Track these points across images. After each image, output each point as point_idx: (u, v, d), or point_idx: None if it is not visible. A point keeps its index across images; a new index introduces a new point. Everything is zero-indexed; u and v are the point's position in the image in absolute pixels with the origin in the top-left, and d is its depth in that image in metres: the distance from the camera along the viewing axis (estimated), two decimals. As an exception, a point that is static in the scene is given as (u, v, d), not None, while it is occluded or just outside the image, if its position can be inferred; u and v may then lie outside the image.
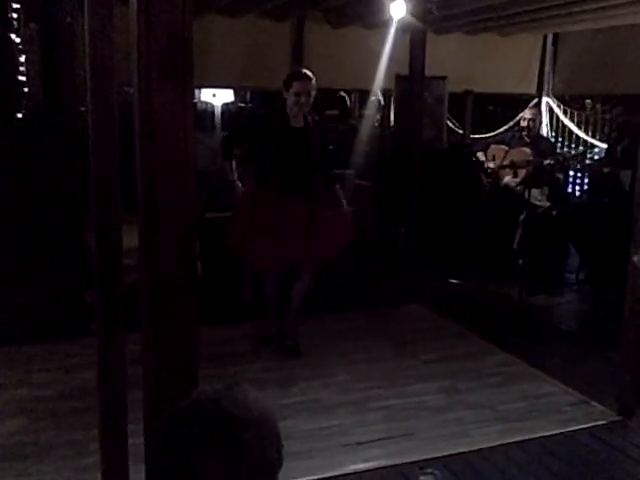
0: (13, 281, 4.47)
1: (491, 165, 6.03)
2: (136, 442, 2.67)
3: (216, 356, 4.28)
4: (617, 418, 3.66)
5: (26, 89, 5.61)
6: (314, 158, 4.32)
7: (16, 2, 5.55)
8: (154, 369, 1.43)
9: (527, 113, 6.17)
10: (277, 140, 4.26)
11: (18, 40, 5.60)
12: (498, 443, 3.40)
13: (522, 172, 5.79)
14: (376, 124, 9.46)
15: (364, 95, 9.36)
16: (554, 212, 5.94)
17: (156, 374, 1.44)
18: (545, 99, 8.53)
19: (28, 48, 5.62)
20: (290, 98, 4.22)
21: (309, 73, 4.25)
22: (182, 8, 1.38)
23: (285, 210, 4.28)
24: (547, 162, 5.65)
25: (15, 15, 5.60)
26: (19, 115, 5.59)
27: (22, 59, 5.58)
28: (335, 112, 12.57)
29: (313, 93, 4.25)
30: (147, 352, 1.48)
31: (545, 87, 8.55)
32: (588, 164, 7.55)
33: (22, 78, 5.59)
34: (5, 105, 5.27)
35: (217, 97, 10.28)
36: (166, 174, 1.38)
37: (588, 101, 8.42)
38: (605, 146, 7.49)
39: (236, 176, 4.49)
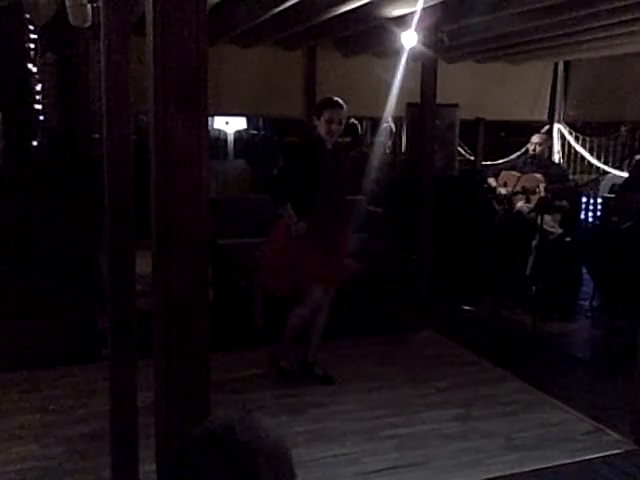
0: (26, 307, 4.49)
1: (503, 191, 6.04)
2: (147, 469, 2.69)
3: (227, 382, 4.27)
4: (632, 447, 3.61)
5: (42, 117, 5.72)
6: (347, 181, 4.52)
7: (33, 32, 5.67)
8: (166, 395, 1.43)
9: (535, 138, 6.18)
10: (321, 167, 4.29)
11: (35, 69, 5.72)
12: (512, 472, 3.35)
13: (534, 198, 5.78)
14: (387, 151, 9.52)
15: (375, 122, 9.42)
16: (567, 238, 5.92)
17: (168, 400, 1.44)
18: (557, 126, 8.55)
19: (44, 77, 5.74)
20: (322, 126, 4.24)
21: (340, 101, 4.28)
22: (196, 39, 1.41)
23: (332, 235, 4.39)
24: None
25: (32, 45, 5.73)
26: (35, 143, 5.69)
27: (38, 88, 5.70)
28: (347, 139, 12.64)
29: (344, 121, 4.31)
30: (159, 378, 1.48)
31: (556, 114, 8.58)
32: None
33: (38, 107, 5.70)
34: (22, 133, 5.37)
35: (230, 124, 10.40)
36: (180, 201, 1.40)
37: (624, 128, 8.43)
38: (618, 172, 7.48)
39: (296, 218, 4.29)
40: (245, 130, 11.47)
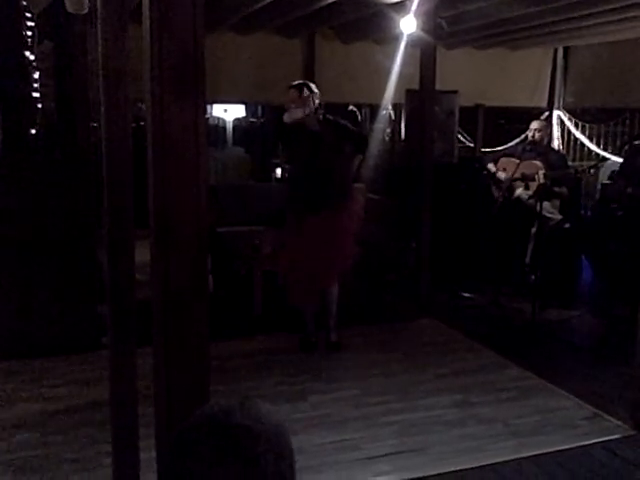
0: (25, 295, 4.50)
1: (502, 175, 6.02)
2: (147, 457, 2.69)
3: (226, 371, 4.28)
4: (631, 432, 3.62)
5: (40, 105, 5.70)
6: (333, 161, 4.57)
7: (30, 20, 5.64)
8: (166, 384, 1.43)
9: (534, 124, 6.16)
10: (297, 148, 4.60)
11: (32, 57, 5.69)
12: (511, 458, 3.36)
13: (534, 185, 5.78)
14: (387, 138, 9.49)
15: (375, 109, 9.39)
16: (566, 225, 5.91)
17: (168, 389, 1.44)
18: (556, 112, 8.53)
19: (42, 65, 5.71)
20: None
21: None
22: (194, 26, 1.40)
23: (314, 220, 4.55)
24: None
25: (30, 33, 5.69)
26: (33, 131, 5.67)
27: (36, 76, 5.67)
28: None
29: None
30: (159, 367, 1.48)
31: (556, 100, 8.56)
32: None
33: (36, 94, 5.68)
34: (20, 122, 5.34)
35: (229, 112, 10.37)
36: (178, 190, 1.39)
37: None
38: (618, 159, 7.46)
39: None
40: (244, 118, 11.44)
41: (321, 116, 4.57)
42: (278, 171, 10.45)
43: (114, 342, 2.49)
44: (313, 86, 4.60)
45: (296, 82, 4.64)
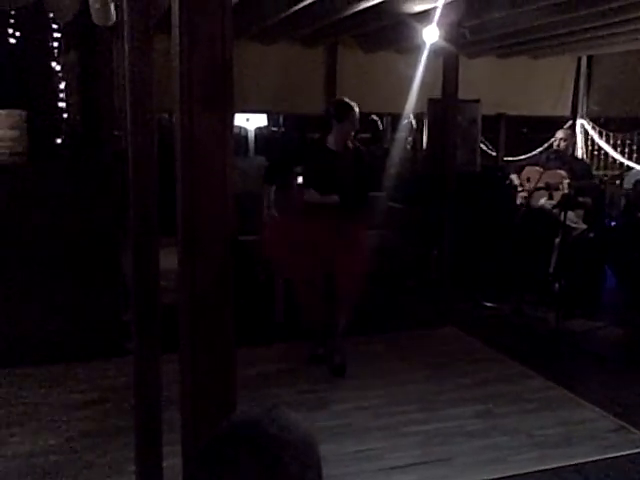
0: (50, 301, 4.55)
1: (526, 187, 5.99)
2: (171, 463, 2.71)
3: (248, 378, 4.29)
4: (658, 445, 3.57)
5: (65, 115, 5.78)
6: (347, 182, 4.43)
7: (57, 31, 5.73)
8: (192, 390, 1.44)
9: (560, 134, 6.14)
10: (319, 165, 4.46)
11: (58, 67, 5.78)
12: (535, 469, 3.33)
13: (558, 194, 5.74)
14: (408, 147, 9.48)
15: (396, 118, 9.40)
16: (590, 235, 5.86)
17: (194, 395, 1.45)
18: (580, 121, 8.47)
19: (68, 75, 5.80)
20: (345, 128, 4.38)
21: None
22: (223, 36, 1.42)
23: (320, 227, 4.42)
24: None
25: (56, 43, 5.78)
26: (58, 140, 5.75)
27: (62, 86, 5.75)
28: (367, 135, 12.59)
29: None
30: (185, 373, 1.49)
31: (579, 109, 8.50)
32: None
33: (62, 104, 5.76)
34: (45, 130, 5.42)
35: (250, 121, 10.42)
36: (206, 198, 1.41)
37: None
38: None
39: (271, 202, 4.57)
40: (266, 127, 11.48)
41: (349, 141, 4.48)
42: (299, 179, 10.44)
43: (139, 348, 2.51)
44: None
45: (346, 99, 4.47)
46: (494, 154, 8.55)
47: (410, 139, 9.55)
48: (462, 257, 5.98)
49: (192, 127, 1.39)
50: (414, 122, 9.24)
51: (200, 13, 1.39)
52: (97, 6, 4.07)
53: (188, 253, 1.44)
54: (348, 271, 4.46)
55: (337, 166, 4.41)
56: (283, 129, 12.13)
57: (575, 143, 8.11)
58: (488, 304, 6.08)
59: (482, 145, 8.28)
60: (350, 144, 4.48)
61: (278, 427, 1.08)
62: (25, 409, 3.90)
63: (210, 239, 1.43)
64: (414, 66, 6.39)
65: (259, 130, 11.26)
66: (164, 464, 2.70)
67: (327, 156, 4.44)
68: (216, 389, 1.47)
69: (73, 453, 3.41)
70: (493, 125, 8.38)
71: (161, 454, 2.64)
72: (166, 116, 7.71)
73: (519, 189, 6.06)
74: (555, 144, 6.09)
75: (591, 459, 3.43)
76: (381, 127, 11.37)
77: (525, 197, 5.95)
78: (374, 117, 10.95)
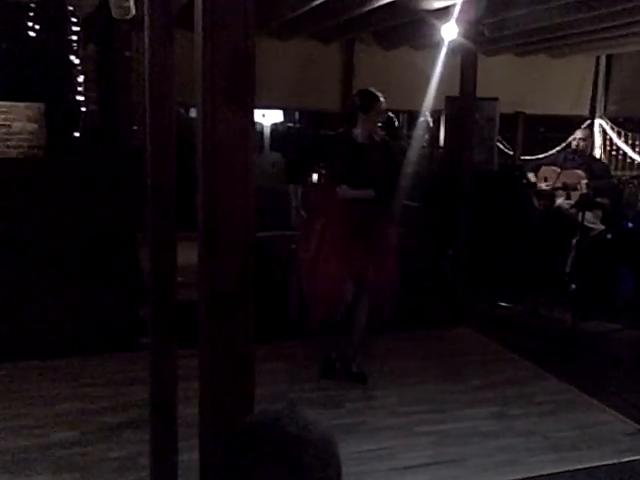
0: (66, 295, 4.57)
1: (543, 186, 5.95)
2: (185, 458, 2.72)
3: (262, 374, 4.25)
4: (675, 449, 3.53)
5: (83, 108, 5.80)
6: (380, 175, 4.26)
7: (76, 24, 5.75)
8: (210, 387, 1.44)
9: (579, 133, 6.09)
10: (348, 159, 4.24)
11: (77, 61, 5.80)
12: (550, 472, 3.31)
13: (575, 194, 5.69)
14: (424, 145, 9.44)
15: (413, 116, 9.36)
16: (608, 236, 5.81)
17: (212, 392, 1.45)
18: (598, 121, 8.40)
19: (86, 69, 5.82)
20: (372, 119, 4.22)
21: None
22: (245, 31, 1.41)
23: (360, 232, 4.20)
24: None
25: (75, 37, 5.81)
26: (76, 134, 5.78)
27: (80, 79, 5.78)
28: (382, 133, 12.46)
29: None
30: (204, 369, 1.49)
31: (598, 109, 8.42)
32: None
33: (80, 98, 5.78)
34: (63, 124, 5.45)
35: (266, 117, 10.43)
36: (227, 194, 1.40)
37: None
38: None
39: (300, 203, 4.37)
40: (281, 123, 11.49)
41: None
42: (315, 176, 10.44)
43: (155, 343, 2.52)
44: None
45: (372, 89, 4.29)
46: (511, 153, 8.49)
47: (426, 137, 9.50)
48: (478, 257, 5.94)
49: (214, 122, 1.38)
50: (430, 120, 9.19)
51: (223, 7, 1.38)
52: (116, 0, 4.07)
53: (209, 250, 1.43)
54: (384, 274, 4.25)
55: (367, 159, 4.22)
56: (299, 125, 12.12)
57: (593, 143, 8.04)
58: (503, 304, 6.04)
59: (499, 144, 8.23)
60: (377, 136, 4.32)
61: (298, 426, 1.07)
62: (40, 402, 3.92)
63: (231, 235, 1.43)
64: (431, 63, 6.34)
65: (275, 126, 11.26)
66: (178, 459, 2.71)
67: (355, 149, 4.24)
68: (235, 385, 1.46)
69: (87, 446, 3.43)
70: (510, 124, 8.32)
71: (176, 449, 2.64)
72: (182, 110, 7.72)
73: (536, 188, 6.02)
74: (574, 144, 6.04)
75: (606, 462, 3.40)
76: (397, 124, 11.34)
77: (542, 197, 5.90)
78: (390, 114, 10.92)
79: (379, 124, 4.34)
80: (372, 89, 4.29)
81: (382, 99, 4.23)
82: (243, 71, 1.41)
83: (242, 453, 1.07)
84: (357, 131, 4.25)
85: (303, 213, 4.38)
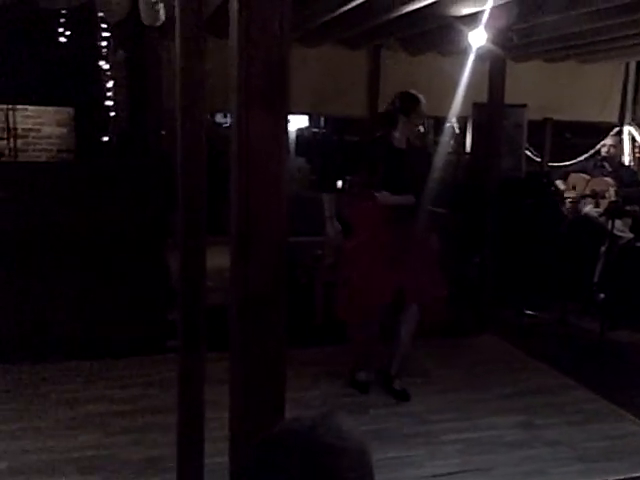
0: (94, 297, 4.62)
1: (572, 195, 5.88)
2: (212, 462, 2.72)
3: (287, 379, 4.27)
4: None
5: (113, 113, 5.87)
6: (420, 180, 4.14)
7: (106, 30, 5.82)
8: (243, 390, 1.44)
9: (609, 140, 6.02)
10: (387, 164, 4.10)
11: (106, 66, 5.87)
12: (578, 483, 3.27)
13: (604, 202, 5.62)
14: (450, 151, 9.39)
15: (439, 122, 9.31)
16: (638, 244, 5.73)
17: (244, 396, 1.45)
18: (627, 127, 8.29)
19: (115, 74, 5.89)
20: (413, 122, 4.13)
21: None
22: (281, 38, 1.41)
23: (398, 235, 4.05)
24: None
25: (104, 43, 5.88)
26: (105, 138, 5.84)
27: (110, 85, 5.84)
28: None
29: None
30: (235, 374, 1.49)
31: (627, 115, 8.32)
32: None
33: (109, 103, 5.85)
34: (93, 128, 5.52)
35: (292, 122, 10.45)
36: (261, 198, 1.40)
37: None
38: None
39: (333, 212, 4.21)
40: (307, 128, 11.51)
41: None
42: (339, 183, 10.41)
43: (184, 347, 2.53)
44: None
45: (413, 92, 4.18)
46: (539, 160, 8.40)
47: (452, 143, 9.45)
48: (504, 264, 5.89)
49: (248, 127, 1.39)
50: (457, 126, 9.14)
51: (260, 13, 1.39)
52: (147, 6, 4.12)
53: (242, 253, 1.43)
54: (429, 284, 4.12)
55: (406, 164, 4.08)
56: (324, 131, 12.13)
57: (622, 150, 7.94)
58: (530, 312, 5.98)
59: (527, 151, 8.16)
60: (417, 140, 4.25)
61: (333, 435, 1.06)
62: (66, 403, 3.96)
63: (265, 239, 1.43)
64: (459, 69, 6.31)
65: (300, 131, 11.29)
66: (205, 462, 2.71)
67: (394, 153, 4.09)
68: (266, 389, 1.47)
69: (113, 448, 3.45)
70: (537, 130, 8.24)
71: (203, 452, 2.65)
72: (208, 116, 7.77)
73: (565, 196, 5.96)
74: (604, 150, 5.97)
75: (636, 475, 3.35)
76: (422, 130, 11.29)
77: (571, 204, 5.84)
78: (415, 120, 10.86)
79: (419, 128, 4.23)
80: (413, 91, 4.17)
81: (423, 101, 4.12)
82: (278, 77, 1.42)
83: (274, 461, 1.07)
84: (396, 134, 4.12)
85: (337, 224, 4.21)
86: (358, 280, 4.09)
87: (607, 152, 5.91)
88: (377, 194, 4.07)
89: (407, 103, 4.10)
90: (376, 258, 4.03)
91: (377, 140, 4.25)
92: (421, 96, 4.13)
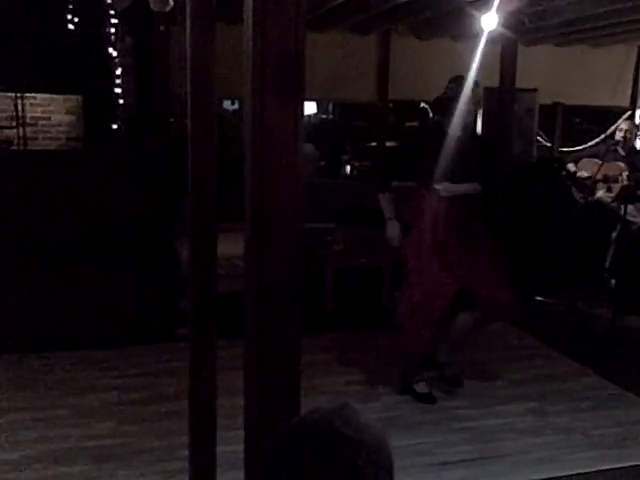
0: (104, 286, 4.62)
1: (585, 174, 5.82)
2: (224, 450, 2.72)
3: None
4: None
5: (121, 100, 5.85)
6: (478, 167, 3.98)
7: (114, 17, 5.79)
8: (258, 378, 1.44)
9: (623, 125, 5.95)
10: (444, 154, 3.81)
11: (115, 53, 5.84)
12: (590, 470, 3.25)
13: (616, 187, 5.58)
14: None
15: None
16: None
17: (259, 384, 1.44)
18: (639, 112, 8.21)
19: (124, 61, 5.86)
20: (468, 107, 3.87)
21: None
22: (296, 22, 1.39)
23: (463, 231, 3.85)
24: None
25: (112, 29, 5.85)
26: (114, 126, 5.83)
27: (118, 72, 5.82)
28: (415, 124, 12.39)
29: None
30: (250, 362, 1.48)
31: (639, 99, 8.23)
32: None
33: (118, 90, 5.83)
34: (101, 116, 5.51)
35: (301, 109, 10.41)
36: (276, 185, 1.39)
37: None
38: None
39: (393, 213, 3.99)
40: (315, 114, 11.47)
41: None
42: (347, 168, 10.41)
43: (195, 335, 2.52)
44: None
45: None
46: (549, 144, 8.34)
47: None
48: (515, 249, 5.85)
49: (263, 116, 1.37)
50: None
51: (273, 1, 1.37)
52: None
53: (257, 243, 1.42)
54: (494, 278, 3.88)
55: (464, 152, 3.82)
56: (332, 117, 12.09)
57: (636, 134, 7.87)
58: (541, 299, 5.95)
59: (537, 136, 8.09)
60: (471, 126, 4.01)
61: (352, 427, 1.06)
62: (78, 392, 3.97)
63: (280, 226, 1.42)
64: (469, 54, 6.23)
65: (308, 117, 11.25)
66: (218, 450, 2.72)
67: (450, 142, 3.81)
68: (282, 378, 1.46)
69: (125, 437, 3.46)
70: (547, 114, 8.18)
71: (214, 440, 2.65)
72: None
73: (578, 176, 5.88)
74: (620, 135, 5.88)
75: (650, 461, 3.34)
76: (431, 115, 11.22)
77: (583, 189, 5.79)
78: (424, 105, 10.82)
79: (475, 113, 3.97)
80: (464, 76, 3.97)
81: (479, 85, 3.93)
82: (293, 64, 1.40)
83: (293, 453, 1.06)
84: (452, 120, 3.84)
85: (398, 224, 3.97)
86: (423, 285, 3.83)
87: (624, 136, 5.83)
88: (438, 186, 3.80)
89: (462, 89, 3.86)
90: (441, 260, 3.82)
91: (431, 130, 4.05)
92: (478, 80, 3.93)
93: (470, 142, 3.94)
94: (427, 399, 3.98)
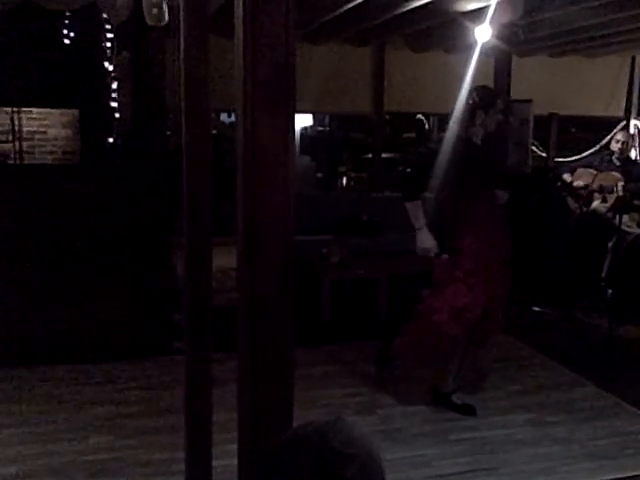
0: (100, 299, 4.61)
1: (581, 183, 5.83)
2: (220, 464, 2.71)
3: (294, 379, 4.26)
4: None
5: (117, 114, 5.87)
6: (503, 175, 4.01)
7: (110, 32, 5.82)
8: (251, 391, 1.43)
9: (620, 136, 5.96)
10: (471, 163, 3.87)
11: (111, 67, 5.87)
12: (589, 481, 3.25)
13: (612, 197, 5.59)
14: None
15: (443, 119, 9.29)
16: (646, 239, 5.70)
17: (252, 396, 1.44)
18: (633, 122, 8.25)
19: (120, 75, 5.88)
20: (492, 117, 3.88)
21: None
22: (286, 37, 1.40)
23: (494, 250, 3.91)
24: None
25: (108, 44, 5.88)
26: (110, 140, 5.84)
27: (114, 86, 5.84)
28: (412, 135, 12.46)
29: None
30: (243, 375, 1.48)
31: (633, 109, 8.28)
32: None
33: (114, 104, 5.85)
34: (97, 130, 5.52)
35: (296, 121, 10.44)
36: (267, 201, 1.39)
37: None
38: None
39: (423, 222, 3.89)
40: (311, 126, 11.51)
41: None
42: (344, 180, 10.44)
43: (190, 349, 2.52)
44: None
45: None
46: (544, 155, 8.37)
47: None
48: (511, 260, 5.85)
49: (255, 129, 1.38)
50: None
51: (264, 13, 1.38)
52: (150, 7, 4.11)
53: (249, 256, 1.42)
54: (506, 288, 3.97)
55: (488, 160, 3.90)
56: (329, 128, 12.13)
57: (631, 145, 7.90)
58: (538, 309, 5.95)
59: (532, 146, 8.12)
60: (492, 136, 3.97)
61: (343, 440, 1.06)
62: (74, 406, 3.96)
63: (272, 240, 1.43)
64: (464, 65, 6.28)
65: (304, 129, 11.29)
66: (213, 464, 2.71)
67: (475, 151, 3.88)
68: (275, 390, 1.46)
69: (122, 451, 3.45)
70: (542, 125, 8.21)
71: (211, 454, 2.64)
72: (213, 115, 7.77)
73: (574, 186, 5.90)
74: (617, 146, 5.90)
75: (648, 472, 3.33)
76: (427, 127, 11.27)
77: (578, 199, 5.81)
78: (420, 117, 10.87)
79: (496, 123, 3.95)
80: (489, 86, 4.06)
81: (502, 96, 4.01)
82: (284, 77, 1.41)
83: (285, 465, 1.06)
84: (475, 131, 3.88)
85: (428, 236, 3.88)
86: (477, 287, 3.80)
87: (621, 147, 5.84)
88: (497, 192, 3.82)
89: (487, 98, 3.89)
90: (479, 269, 3.82)
91: (457, 140, 3.95)
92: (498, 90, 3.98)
93: (493, 151, 4.01)
94: (468, 411, 3.93)
